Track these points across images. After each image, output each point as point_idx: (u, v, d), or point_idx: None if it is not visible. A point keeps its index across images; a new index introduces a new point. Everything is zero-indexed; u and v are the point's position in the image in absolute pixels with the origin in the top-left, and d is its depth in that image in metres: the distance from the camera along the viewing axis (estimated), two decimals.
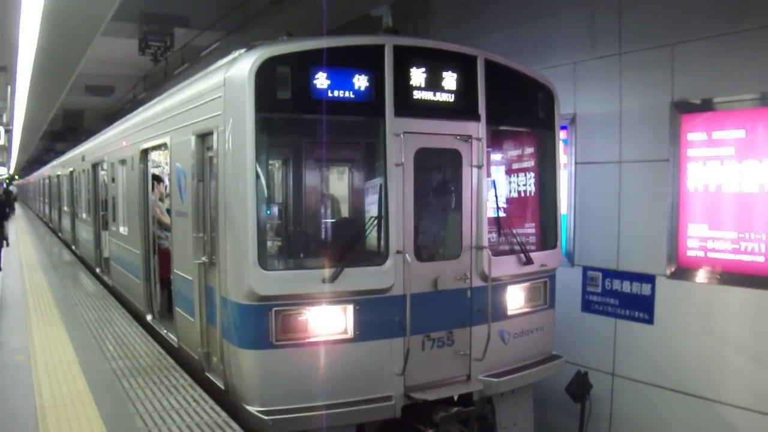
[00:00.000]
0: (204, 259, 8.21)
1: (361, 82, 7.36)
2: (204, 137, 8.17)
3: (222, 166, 7.33)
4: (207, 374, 8.14)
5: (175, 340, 9.58)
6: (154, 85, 21.34)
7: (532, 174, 9.48)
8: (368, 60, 7.47)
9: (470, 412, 7.91)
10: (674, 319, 9.63)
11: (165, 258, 10.46)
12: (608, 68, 10.48)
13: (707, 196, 9.11)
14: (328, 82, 7.18)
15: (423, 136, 7.72)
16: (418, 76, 7.69)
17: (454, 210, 8.29)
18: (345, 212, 10.07)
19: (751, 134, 8.65)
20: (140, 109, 13.70)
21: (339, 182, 10.32)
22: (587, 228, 10.95)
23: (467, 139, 8.02)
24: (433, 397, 7.57)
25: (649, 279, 9.92)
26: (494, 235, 8.59)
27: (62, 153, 35.80)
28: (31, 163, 76.84)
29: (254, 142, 6.93)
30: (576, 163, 11.04)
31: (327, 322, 7.23)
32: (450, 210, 8.42)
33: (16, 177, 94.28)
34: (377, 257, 7.53)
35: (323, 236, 9.58)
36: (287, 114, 7.45)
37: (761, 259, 8.54)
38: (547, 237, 9.22)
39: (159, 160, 11.99)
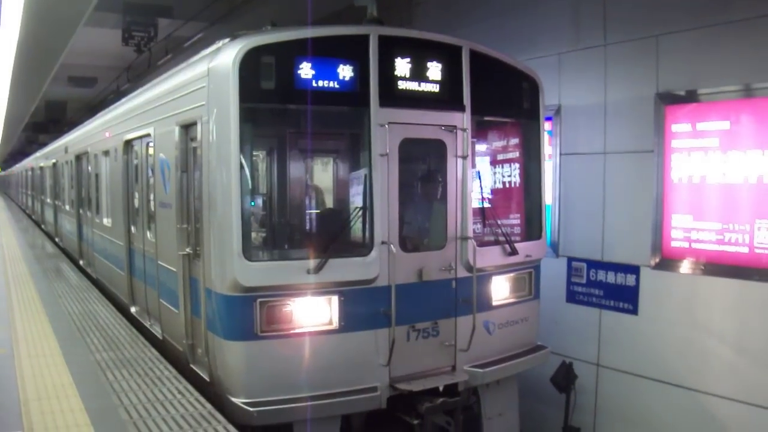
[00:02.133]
0: (188, 250, 8.18)
1: (345, 72, 7.34)
2: (188, 128, 8.12)
3: (206, 157, 7.29)
4: (192, 366, 8.11)
5: (160, 332, 9.54)
6: (137, 76, 21.21)
7: (517, 165, 9.48)
8: (353, 50, 7.45)
9: (456, 402, 7.93)
10: (658, 310, 9.68)
11: None
12: (593, 59, 10.49)
13: (691, 187, 9.15)
14: (313, 72, 7.16)
15: (408, 126, 7.71)
16: (402, 66, 7.67)
17: (439, 201, 8.28)
18: (330, 203, 10.04)
19: (735, 125, 8.68)
20: (123, 99, 13.63)
21: (324, 173, 10.29)
22: (572, 219, 10.98)
23: (452, 129, 8.02)
24: (418, 388, 7.58)
25: (634, 270, 9.96)
26: (479, 225, 8.60)
27: (45, 144, 35.58)
28: (13, 155, 76.34)
29: (238, 132, 6.90)
30: (561, 154, 11.07)
31: (312, 313, 7.22)
32: (435, 201, 8.41)
33: None
34: (362, 248, 7.52)
35: (308, 227, 9.55)
36: (271, 104, 7.43)
37: (745, 249, 8.58)
38: (532, 228, 9.24)
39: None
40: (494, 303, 8.52)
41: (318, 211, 9.72)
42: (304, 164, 9.83)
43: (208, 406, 6.90)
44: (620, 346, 10.23)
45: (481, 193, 8.51)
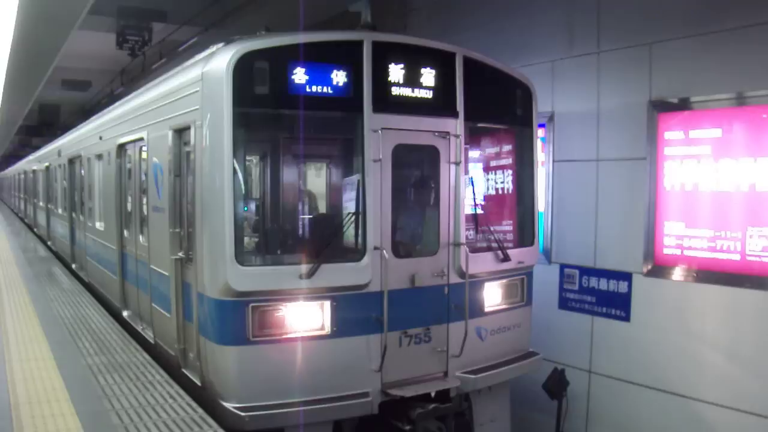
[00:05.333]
0: (181, 254, 8.17)
1: (339, 77, 7.35)
2: (181, 132, 8.12)
3: (199, 161, 7.29)
4: (184, 370, 8.10)
5: (152, 336, 9.53)
6: (131, 79, 21.21)
7: (510, 171, 9.50)
8: (347, 56, 7.46)
9: (447, 408, 7.92)
10: (650, 317, 9.69)
11: None
12: (586, 67, 10.52)
13: (684, 194, 9.17)
14: (306, 77, 7.17)
15: (401, 132, 7.72)
16: (396, 72, 7.68)
17: (431, 207, 8.29)
18: (323, 208, 10.05)
19: (727, 133, 8.72)
20: (117, 103, 13.61)
21: (317, 178, 10.30)
22: (564, 226, 11.00)
23: (445, 135, 8.03)
24: (410, 394, 7.57)
25: (626, 277, 9.97)
26: (472, 232, 8.61)
27: (38, 148, 35.52)
28: (6, 158, 76.15)
29: (232, 137, 6.90)
30: (554, 161, 11.09)
31: (304, 318, 7.21)
32: (428, 207, 8.42)
33: None
34: (355, 253, 7.52)
35: (301, 232, 9.55)
36: (265, 109, 7.42)
37: (737, 257, 8.61)
38: (525, 234, 9.26)
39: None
40: (486, 309, 8.53)
41: (311, 216, 9.73)
42: (298, 169, 9.84)
43: (200, 410, 6.88)
44: (612, 353, 10.24)
45: (474, 199, 8.52)
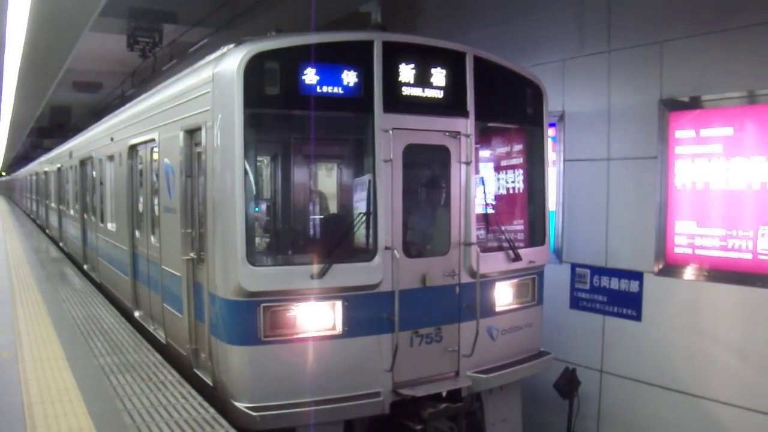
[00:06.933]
0: (192, 255, 8.19)
1: (349, 78, 7.35)
2: (192, 133, 8.14)
3: (210, 162, 7.31)
4: (195, 371, 8.12)
5: (163, 336, 9.55)
6: (142, 81, 21.26)
7: (521, 171, 9.48)
8: (357, 56, 7.46)
9: (459, 408, 7.91)
10: (662, 316, 9.66)
11: None
12: (597, 65, 10.50)
13: (695, 193, 9.14)
14: (317, 77, 7.18)
15: (412, 132, 7.72)
16: (406, 72, 7.68)
17: (442, 206, 8.29)
18: (333, 208, 10.05)
19: (739, 132, 8.68)
20: (128, 105, 13.66)
21: (328, 178, 10.31)
22: (575, 225, 10.98)
23: (456, 135, 8.03)
24: (421, 393, 7.57)
25: (637, 276, 9.95)
26: (483, 231, 8.60)
27: (50, 149, 35.65)
28: (18, 160, 76.50)
29: (243, 137, 6.92)
30: (564, 160, 11.07)
31: (315, 318, 7.22)
32: (438, 206, 8.42)
33: (3, 174, 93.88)
34: (366, 253, 7.53)
35: (312, 232, 9.57)
36: (276, 110, 7.44)
37: (749, 256, 8.57)
38: (536, 234, 9.24)
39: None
40: (497, 309, 8.53)
41: (322, 216, 9.73)
42: (308, 170, 9.84)
43: (212, 410, 6.90)
44: (624, 353, 10.21)
45: (485, 198, 8.52)
